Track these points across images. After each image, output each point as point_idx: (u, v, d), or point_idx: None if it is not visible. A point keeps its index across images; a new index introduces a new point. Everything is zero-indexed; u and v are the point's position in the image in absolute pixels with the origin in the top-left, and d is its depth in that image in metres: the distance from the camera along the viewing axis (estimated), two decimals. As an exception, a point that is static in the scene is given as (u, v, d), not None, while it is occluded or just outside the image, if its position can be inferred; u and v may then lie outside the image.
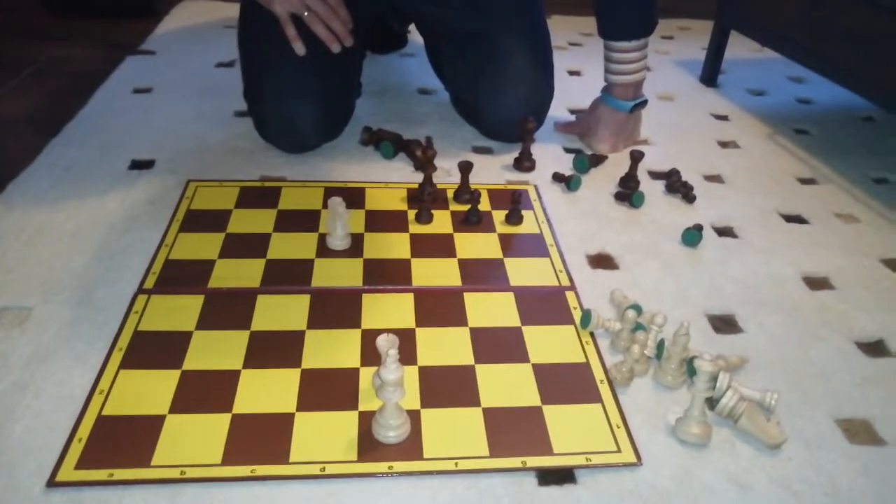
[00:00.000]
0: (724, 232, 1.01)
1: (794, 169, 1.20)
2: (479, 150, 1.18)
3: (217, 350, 0.73)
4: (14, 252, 0.86)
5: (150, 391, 0.68)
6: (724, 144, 1.27)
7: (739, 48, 1.63)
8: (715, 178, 1.15)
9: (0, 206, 0.94)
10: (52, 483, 0.59)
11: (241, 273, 0.84)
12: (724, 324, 0.84)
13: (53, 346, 0.73)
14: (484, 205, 1.01)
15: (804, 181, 1.16)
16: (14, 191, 0.98)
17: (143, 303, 0.79)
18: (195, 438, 0.64)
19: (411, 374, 0.72)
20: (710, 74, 1.51)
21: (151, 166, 1.07)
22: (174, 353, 0.73)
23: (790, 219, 1.06)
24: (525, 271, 0.89)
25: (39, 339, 0.74)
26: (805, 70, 1.29)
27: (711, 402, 0.69)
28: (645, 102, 1.18)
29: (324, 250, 0.89)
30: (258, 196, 1.00)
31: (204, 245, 0.89)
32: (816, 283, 0.92)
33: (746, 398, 0.69)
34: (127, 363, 0.71)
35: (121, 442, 0.63)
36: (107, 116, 1.21)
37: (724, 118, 1.37)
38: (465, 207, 0.99)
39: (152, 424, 0.65)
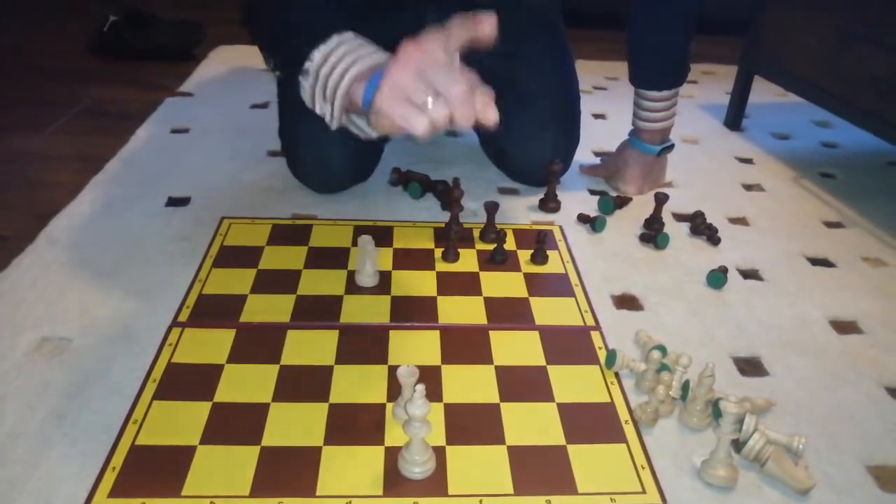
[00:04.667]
0: (749, 274, 1.01)
1: (820, 212, 1.20)
2: (504, 191, 1.20)
3: (247, 383, 0.75)
4: (56, 285, 0.89)
5: (182, 422, 0.70)
6: (748, 188, 1.28)
7: (763, 92, 1.65)
8: (740, 221, 1.16)
9: (43, 239, 0.98)
10: (86, 510, 0.61)
11: (272, 308, 0.87)
12: (750, 366, 0.83)
13: (91, 376, 0.75)
14: (509, 244, 1.02)
15: (830, 224, 1.16)
16: (57, 225, 1.02)
17: (176, 336, 0.81)
18: (225, 469, 0.65)
19: (437, 411, 0.72)
20: (735, 118, 1.53)
21: (187, 203, 1.10)
22: (206, 385, 0.74)
23: (816, 262, 1.05)
24: (550, 311, 0.89)
25: (77, 369, 0.76)
26: (830, 114, 1.30)
27: (738, 445, 0.69)
28: (672, 147, 1.20)
29: (353, 287, 0.91)
30: (289, 233, 1.02)
31: (236, 280, 0.91)
32: (844, 327, 0.91)
33: (773, 441, 0.69)
34: (160, 394, 0.73)
35: (153, 471, 0.64)
36: (146, 155, 1.25)
37: (748, 161, 1.38)
38: (491, 247, 1.00)
39: (184, 455, 0.66)
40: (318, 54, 0.73)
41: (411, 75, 0.64)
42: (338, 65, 0.72)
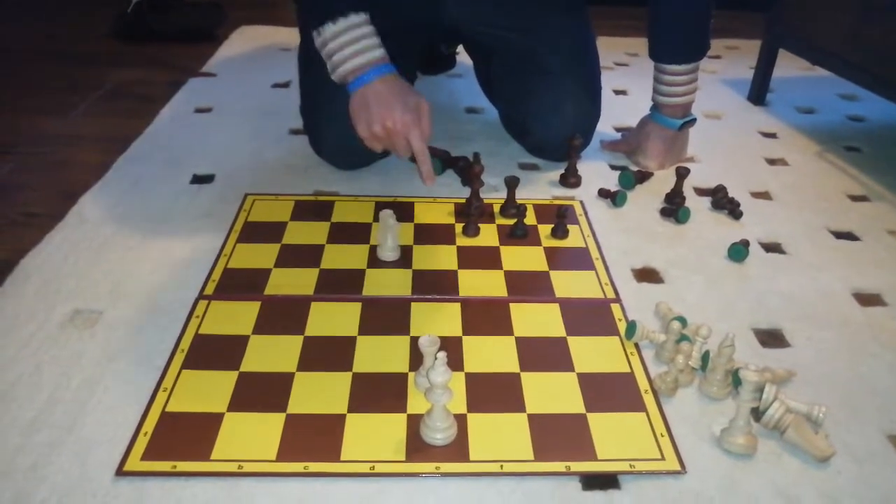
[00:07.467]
0: (771, 248, 1.01)
1: (845, 186, 1.19)
2: (525, 166, 1.20)
3: (272, 353, 0.77)
4: (86, 260, 0.91)
5: (210, 390, 0.72)
6: (771, 162, 1.26)
7: (788, 66, 1.62)
8: (762, 195, 1.15)
9: (73, 217, 1.00)
10: (120, 472, 0.63)
11: (296, 281, 0.88)
12: (771, 338, 0.83)
13: (122, 347, 0.77)
14: (530, 219, 1.03)
15: (855, 198, 1.15)
16: (86, 203, 1.04)
17: (203, 308, 0.83)
18: (252, 435, 0.67)
19: (458, 380, 0.73)
20: (759, 93, 1.51)
21: (211, 181, 1.12)
22: (232, 355, 0.76)
23: (840, 235, 1.05)
24: (570, 283, 0.90)
25: (109, 340, 0.78)
26: (857, 87, 1.28)
27: (757, 414, 0.69)
28: (694, 121, 1.19)
29: (374, 261, 0.92)
30: (312, 209, 1.04)
31: (260, 255, 0.93)
32: (867, 300, 0.91)
33: (793, 410, 0.69)
34: (189, 364, 0.75)
35: (183, 436, 0.66)
36: (170, 134, 1.27)
37: (772, 136, 1.37)
38: (511, 221, 1.01)
39: (212, 421, 0.68)
40: (328, 30, 0.92)
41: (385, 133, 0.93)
42: (341, 49, 0.93)
